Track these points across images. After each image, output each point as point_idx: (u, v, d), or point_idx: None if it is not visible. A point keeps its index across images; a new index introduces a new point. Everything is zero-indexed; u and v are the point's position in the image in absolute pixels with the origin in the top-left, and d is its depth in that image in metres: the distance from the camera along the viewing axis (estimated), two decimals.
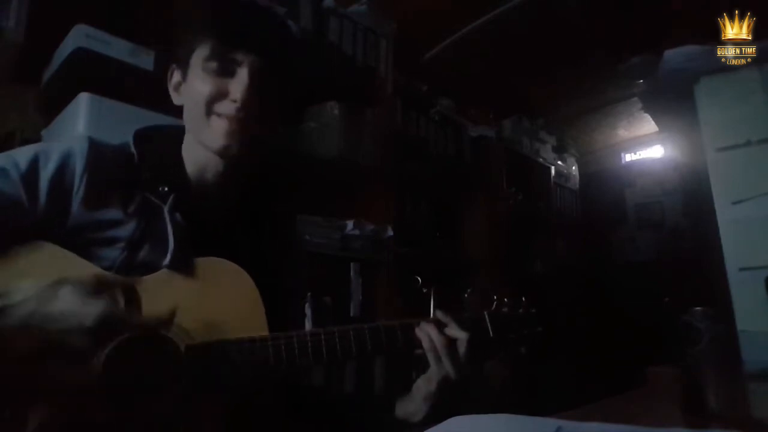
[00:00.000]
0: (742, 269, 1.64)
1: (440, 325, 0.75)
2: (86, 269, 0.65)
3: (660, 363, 1.08)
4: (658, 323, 1.76)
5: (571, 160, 3.72)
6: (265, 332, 0.68)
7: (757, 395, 0.93)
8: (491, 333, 0.78)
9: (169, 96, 0.81)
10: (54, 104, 1.35)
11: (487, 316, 0.80)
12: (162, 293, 0.66)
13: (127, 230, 0.70)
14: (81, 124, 1.21)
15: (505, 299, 0.83)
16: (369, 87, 2.11)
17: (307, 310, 1.59)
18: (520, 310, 0.82)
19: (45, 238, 0.65)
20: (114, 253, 0.68)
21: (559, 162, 3.54)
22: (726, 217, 1.71)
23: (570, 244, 3.52)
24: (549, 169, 3.40)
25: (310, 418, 0.81)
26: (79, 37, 1.29)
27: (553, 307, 3.00)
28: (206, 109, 0.73)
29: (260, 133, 0.77)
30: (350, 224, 1.87)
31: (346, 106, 1.90)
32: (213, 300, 0.67)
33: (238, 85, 0.72)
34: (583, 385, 2.03)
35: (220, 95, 0.72)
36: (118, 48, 1.30)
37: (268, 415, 0.72)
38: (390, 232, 1.99)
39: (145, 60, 1.34)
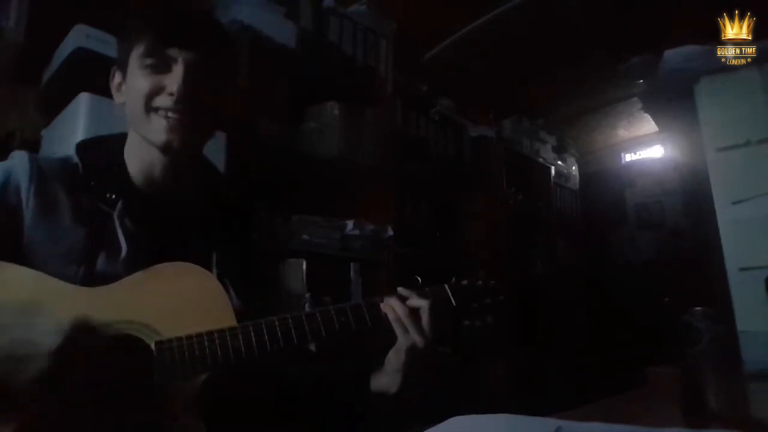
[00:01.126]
0: (742, 269, 1.64)
1: (402, 298, 0.78)
2: (48, 284, 0.66)
3: (660, 363, 1.08)
4: (658, 323, 1.76)
5: (571, 160, 3.72)
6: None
7: (757, 395, 0.93)
8: (453, 302, 0.82)
9: None
10: (54, 104, 1.35)
11: (447, 288, 0.83)
12: (127, 298, 0.67)
13: (80, 241, 0.71)
14: (81, 124, 1.21)
15: (463, 274, 0.86)
16: (369, 87, 2.11)
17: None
18: (479, 282, 0.86)
19: (2, 258, 0.66)
20: (72, 266, 0.69)
21: (559, 162, 3.54)
22: (726, 217, 1.71)
23: (570, 244, 3.52)
24: (549, 169, 3.40)
25: (287, 403, 0.82)
26: (79, 37, 1.29)
27: (553, 307, 3.00)
28: (145, 104, 0.74)
29: (202, 127, 0.78)
30: (350, 224, 1.87)
31: (346, 106, 1.90)
32: (178, 300, 0.68)
33: (174, 78, 0.73)
34: (583, 385, 2.03)
35: (157, 90, 0.74)
36: None
37: (246, 403, 0.72)
38: (390, 232, 1.99)
39: None
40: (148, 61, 0.74)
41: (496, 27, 2.50)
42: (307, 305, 1.60)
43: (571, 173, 3.68)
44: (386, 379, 0.78)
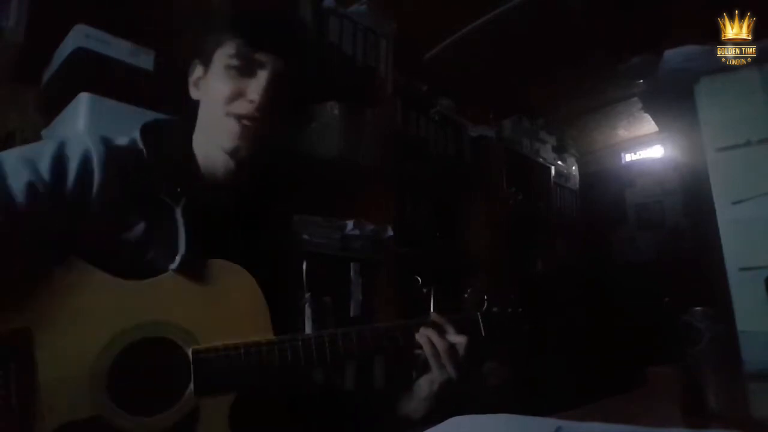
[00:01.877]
0: (742, 269, 1.64)
1: (438, 329, 0.77)
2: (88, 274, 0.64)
3: (660, 363, 1.08)
4: (658, 323, 1.76)
5: (571, 160, 3.71)
6: (269, 334, 0.68)
7: (757, 395, 0.93)
8: (483, 333, 0.81)
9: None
10: (54, 104, 1.34)
11: (480, 317, 0.82)
12: (166, 297, 0.66)
13: (136, 231, 0.69)
14: (81, 124, 1.21)
15: (495, 299, 0.85)
16: (369, 87, 2.11)
17: (307, 310, 1.59)
18: (509, 310, 0.85)
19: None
20: (123, 255, 0.68)
21: (559, 162, 3.53)
22: (726, 217, 1.71)
23: (570, 244, 3.51)
24: (549, 169, 3.40)
25: (313, 416, 0.81)
26: (79, 37, 1.29)
27: (553, 307, 3.00)
28: (223, 108, 0.73)
29: (270, 135, 0.77)
30: (350, 224, 1.87)
31: (346, 106, 1.90)
32: (217, 302, 0.67)
33: (257, 86, 0.72)
34: (583, 385, 2.03)
35: (237, 95, 0.72)
36: (118, 48, 1.30)
37: (272, 414, 0.72)
38: (390, 232, 1.99)
39: (145, 60, 1.34)
40: (234, 62, 0.73)
41: (496, 27, 2.50)
42: (307, 305, 1.60)
43: (571, 173, 3.68)
44: (414, 404, 0.78)
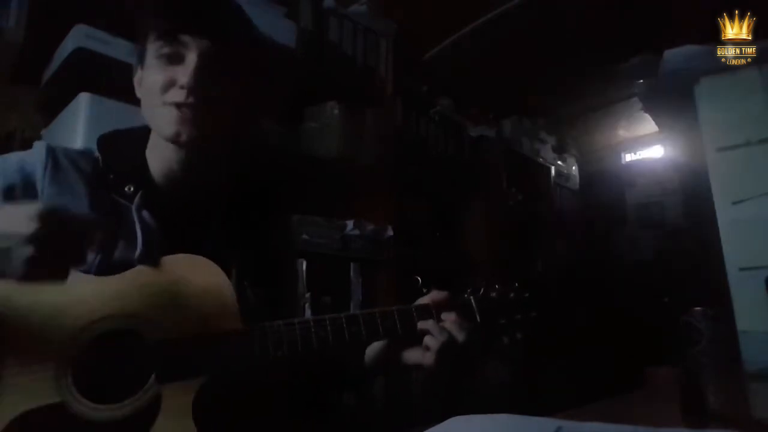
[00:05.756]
0: (742, 269, 1.64)
1: (430, 314, 0.76)
2: None
3: (660, 363, 1.09)
4: (658, 323, 1.76)
5: (571, 160, 3.71)
6: (238, 325, 0.68)
7: (757, 395, 0.93)
8: (478, 318, 0.78)
9: None
10: (54, 104, 1.35)
11: (473, 301, 0.79)
12: (133, 290, 0.66)
13: (98, 231, 0.70)
14: (81, 124, 1.21)
15: (496, 285, 0.81)
16: (369, 87, 2.11)
17: (307, 310, 1.59)
18: (511, 295, 0.81)
19: None
20: (90, 255, 0.68)
21: (559, 162, 3.53)
22: (726, 217, 1.70)
23: (570, 244, 3.51)
24: (549, 169, 3.40)
25: (286, 407, 0.81)
26: (79, 37, 1.29)
27: (553, 307, 3.00)
28: (159, 98, 0.72)
29: (215, 120, 0.75)
30: (350, 224, 1.87)
31: (346, 106, 1.90)
32: (183, 294, 0.68)
33: (185, 69, 0.71)
34: (583, 385, 2.03)
35: (170, 83, 0.71)
36: (118, 48, 1.30)
37: (239, 405, 0.71)
38: (390, 232, 1.99)
39: None
40: (162, 50, 0.72)
41: (496, 27, 2.50)
42: (306, 305, 1.60)
43: (571, 173, 3.68)
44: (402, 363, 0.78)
